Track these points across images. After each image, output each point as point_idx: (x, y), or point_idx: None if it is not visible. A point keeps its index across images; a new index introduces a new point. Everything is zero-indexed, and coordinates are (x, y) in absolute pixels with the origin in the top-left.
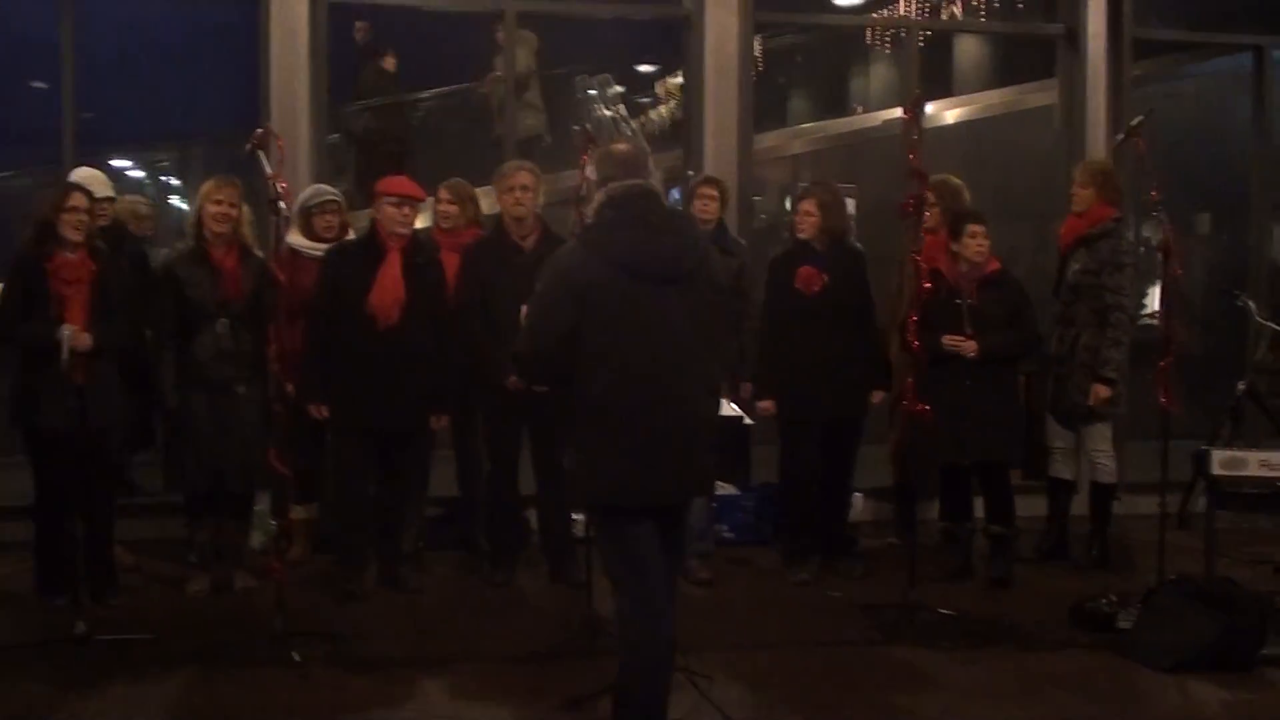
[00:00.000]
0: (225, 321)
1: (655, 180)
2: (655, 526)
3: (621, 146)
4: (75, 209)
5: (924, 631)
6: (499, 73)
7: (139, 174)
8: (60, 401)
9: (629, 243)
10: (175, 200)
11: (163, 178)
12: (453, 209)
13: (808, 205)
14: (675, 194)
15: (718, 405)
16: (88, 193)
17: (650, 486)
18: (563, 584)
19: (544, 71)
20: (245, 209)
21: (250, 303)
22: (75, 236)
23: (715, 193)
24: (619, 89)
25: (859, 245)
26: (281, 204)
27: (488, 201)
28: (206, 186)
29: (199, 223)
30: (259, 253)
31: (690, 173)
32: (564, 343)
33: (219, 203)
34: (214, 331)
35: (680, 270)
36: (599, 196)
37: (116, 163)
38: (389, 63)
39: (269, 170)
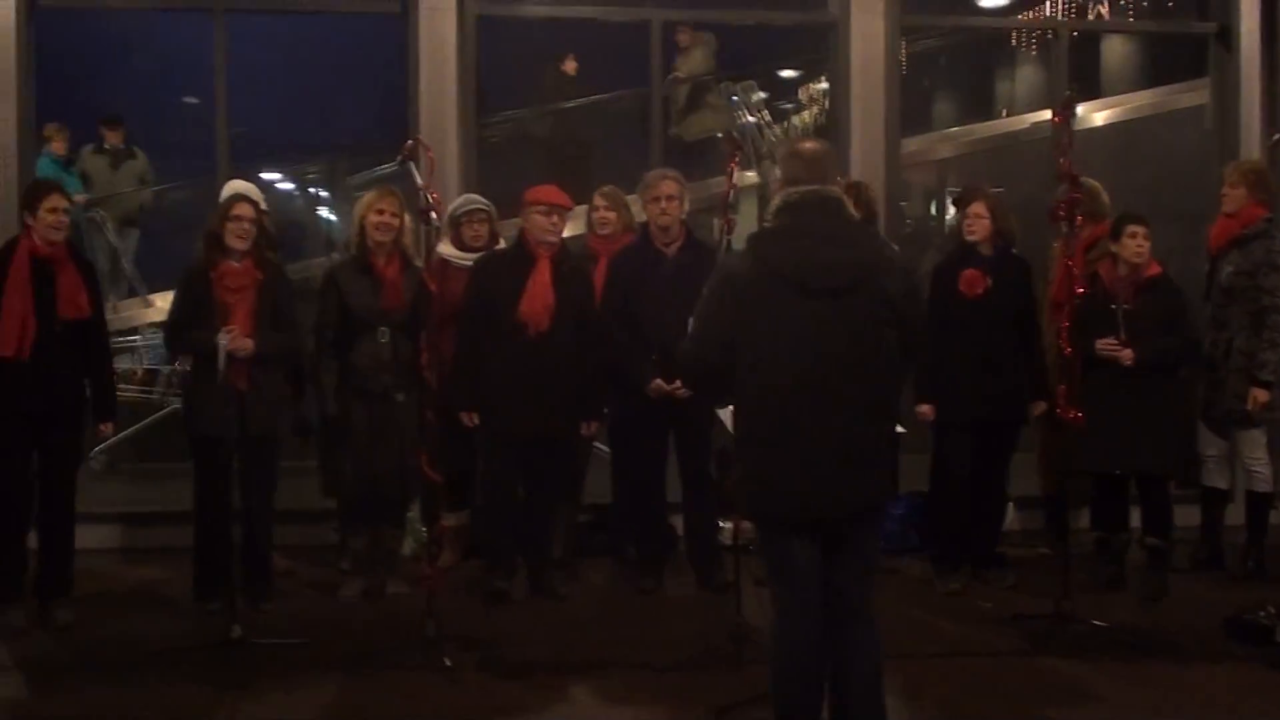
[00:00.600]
0: (385, 330)
1: (839, 185)
2: (811, 540)
3: (809, 145)
4: (239, 218)
5: (1076, 643)
6: (679, 74)
7: (288, 186)
8: (220, 407)
9: (792, 251)
10: (323, 212)
11: (311, 189)
12: (611, 215)
13: (978, 208)
14: None
15: (887, 423)
16: (254, 202)
17: (799, 499)
18: (710, 591)
19: (690, 78)
20: (407, 219)
21: (410, 312)
22: (239, 245)
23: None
24: (762, 95)
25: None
26: (433, 214)
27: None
28: (369, 197)
29: (361, 232)
30: (419, 263)
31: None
32: (727, 350)
33: (381, 212)
34: (374, 340)
35: (841, 283)
36: (777, 200)
37: (267, 175)
38: (569, 66)
39: (420, 181)
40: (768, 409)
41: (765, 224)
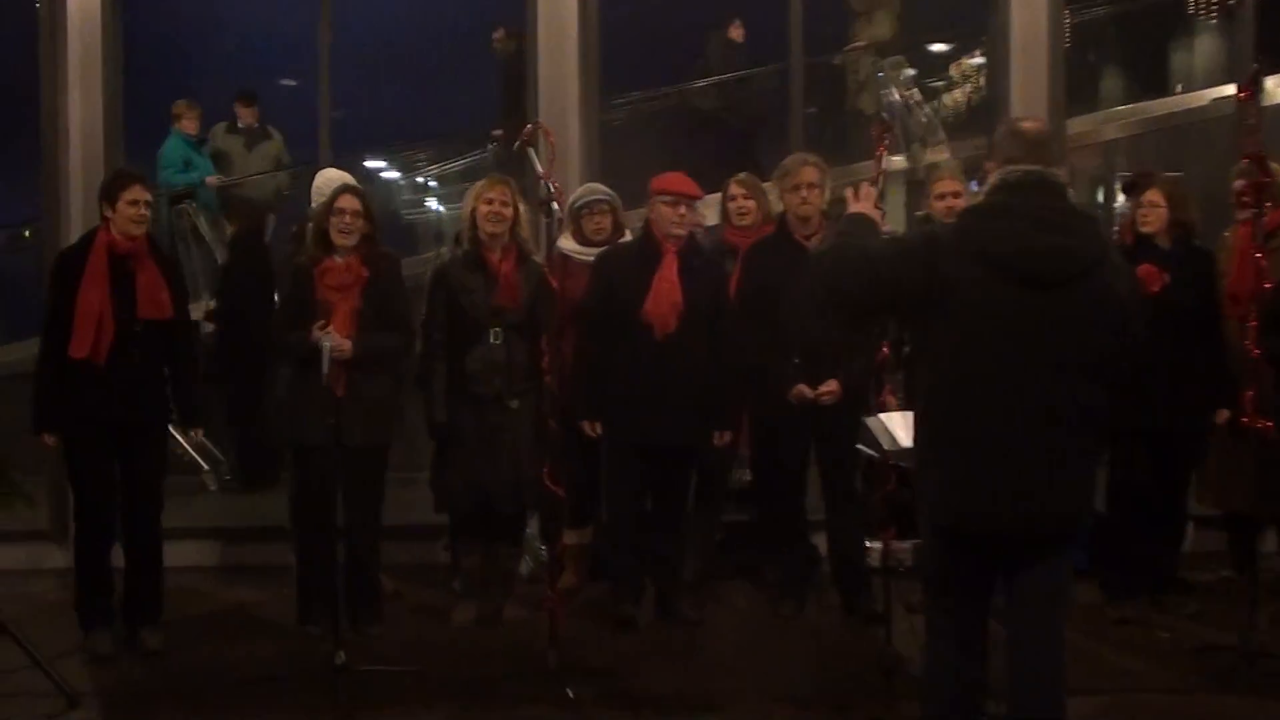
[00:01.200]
0: (499, 331)
1: (1064, 169)
2: (989, 561)
3: (1030, 124)
4: (343, 211)
5: (1264, 681)
6: (860, 42)
7: (393, 174)
8: (318, 415)
9: (1007, 233)
10: (432, 203)
11: (419, 178)
12: (750, 205)
13: (1153, 195)
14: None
15: (1095, 437)
16: (360, 193)
17: (997, 511)
18: (856, 617)
19: (826, 59)
20: (522, 209)
21: (526, 311)
22: (344, 241)
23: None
24: (911, 72)
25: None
26: (554, 204)
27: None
28: (478, 186)
29: (473, 225)
30: (538, 258)
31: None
32: (876, 290)
33: (490, 202)
34: (487, 342)
35: (1060, 274)
36: (993, 177)
37: (371, 163)
38: (735, 33)
39: (539, 169)
40: (966, 407)
41: (973, 203)
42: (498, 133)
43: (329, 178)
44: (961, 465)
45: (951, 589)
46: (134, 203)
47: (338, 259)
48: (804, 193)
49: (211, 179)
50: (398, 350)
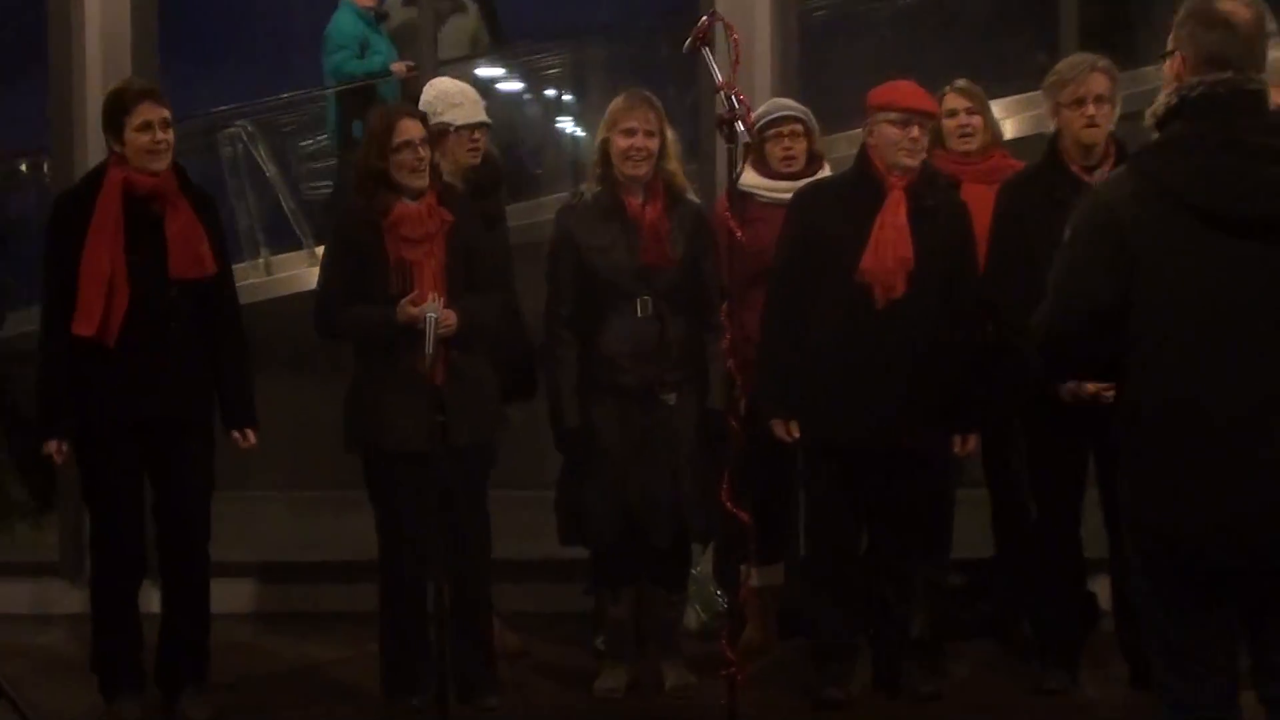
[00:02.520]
0: (648, 300)
1: (1266, 77)
2: (1230, 600)
3: (1227, 5)
4: (409, 143)
5: None
6: None
7: (515, 85)
8: (413, 412)
9: (1205, 171)
10: (567, 125)
11: (549, 91)
12: (975, 121)
13: None
14: None
15: None
16: (421, 117)
17: (1219, 537)
18: (1153, 693)
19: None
20: (671, 137)
21: (684, 271)
22: (416, 181)
23: None
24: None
25: None
26: (739, 125)
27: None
28: (615, 107)
29: (605, 160)
30: (694, 198)
31: None
32: (1104, 321)
33: (631, 132)
34: (632, 315)
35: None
36: (1167, 95)
37: (485, 71)
38: None
39: (718, 77)
40: (1174, 404)
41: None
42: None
43: (443, 91)
44: (1192, 481)
45: (1193, 650)
46: (145, 126)
47: (409, 203)
48: (1090, 108)
49: (398, 65)
50: (500, 316)
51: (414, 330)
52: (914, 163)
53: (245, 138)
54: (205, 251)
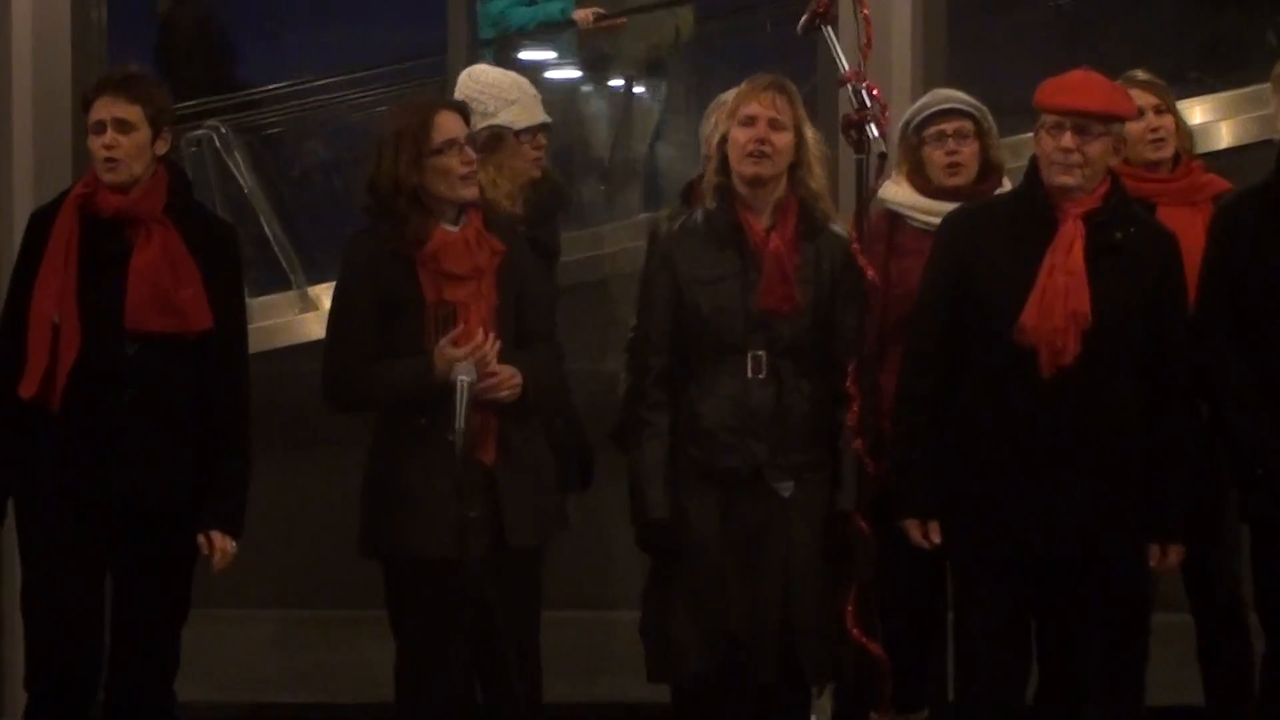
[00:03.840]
0: (762, 357)
1: None
2: None
3: None
4: (453, 143)
5: None
6: None
7: (568, 74)
8: (444, 507)
9: None
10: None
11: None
12: (1165, 122)
13: None
14: None
15: None
16: (466, 113)
17: None
18: None
19: None
20: (813, 139)
21: (816, 323)
22: (466, 192)
23: None
24: None
25: None
26: (872, 128)
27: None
28: (737, 92)
29: (721, 163)
30: (839, 227)
31: None
32: None
33: (750, 121)
34: (741, 375)
35: None
36: None
37: (531, 54)
38: None
39: (843, 65)
40: None
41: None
42: None
43: (493, 83)
44: None
45: None
46: (97, 128)
47: (449, 228)
48: None
49: (583, 13)
50: (561, 370)
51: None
52: (1071, 180)
53: (217, 142)
54: (186, 299)
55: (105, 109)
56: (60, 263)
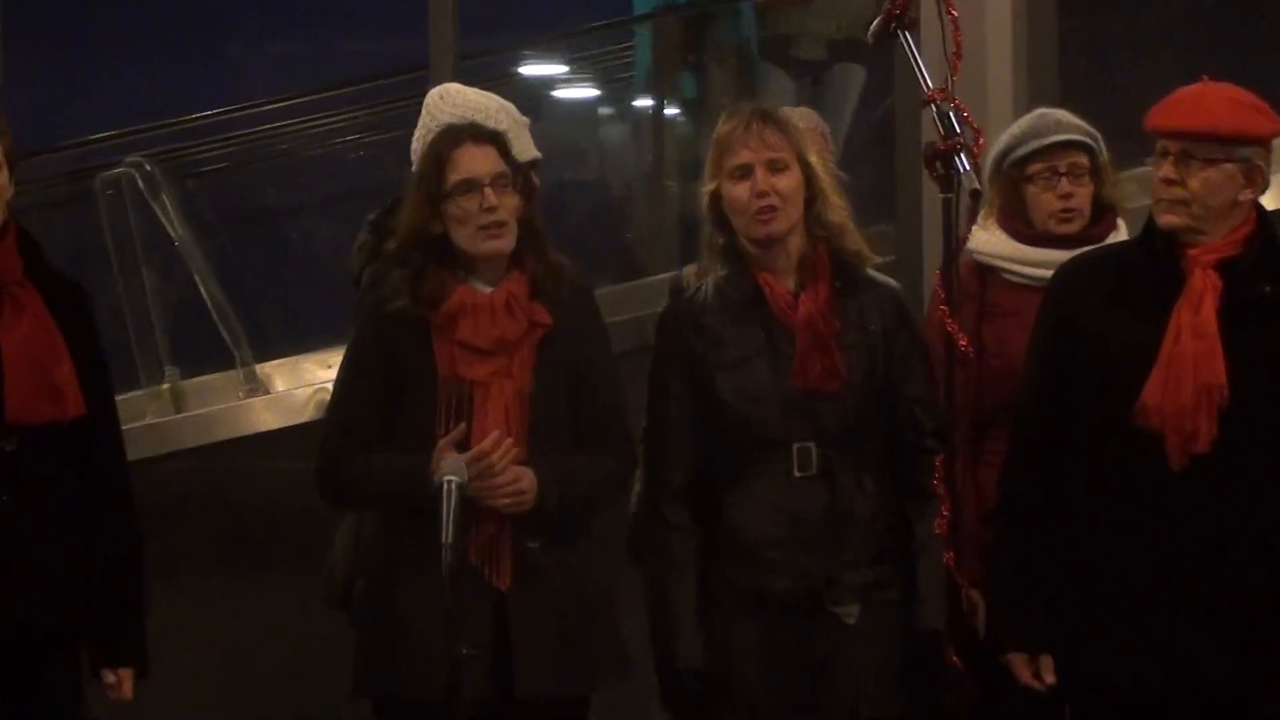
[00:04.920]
0: (809, 449)
1: None
2: None
3: None
4: (470, 184)
5: None
6: None
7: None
8: (437, 641)
9: None
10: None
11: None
12: None
13: None
14: None
15: None
16: (496, 140)
17: None
18: None
19: None
20: (818, 163)
21: (871, 401)
22: (488, 246)
23: None
24: None
25: None
26: (962, 160)
27: None
28: (717, 135)
29: (720, 222)
30: (879, 274)
31: None
32: None
33: (745, 172)
34: (783, 475)
35: None
36: None
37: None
38: None
39: (927, 83)
40: None
41: None
42: None
43: (474, 106)
44: None
45: None
46: None
47: (479, 288)
48: None
49: None
50: (616, 485)
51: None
52: (1176, 220)
53: (140, 182)
54: (66, 378)
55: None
56: None
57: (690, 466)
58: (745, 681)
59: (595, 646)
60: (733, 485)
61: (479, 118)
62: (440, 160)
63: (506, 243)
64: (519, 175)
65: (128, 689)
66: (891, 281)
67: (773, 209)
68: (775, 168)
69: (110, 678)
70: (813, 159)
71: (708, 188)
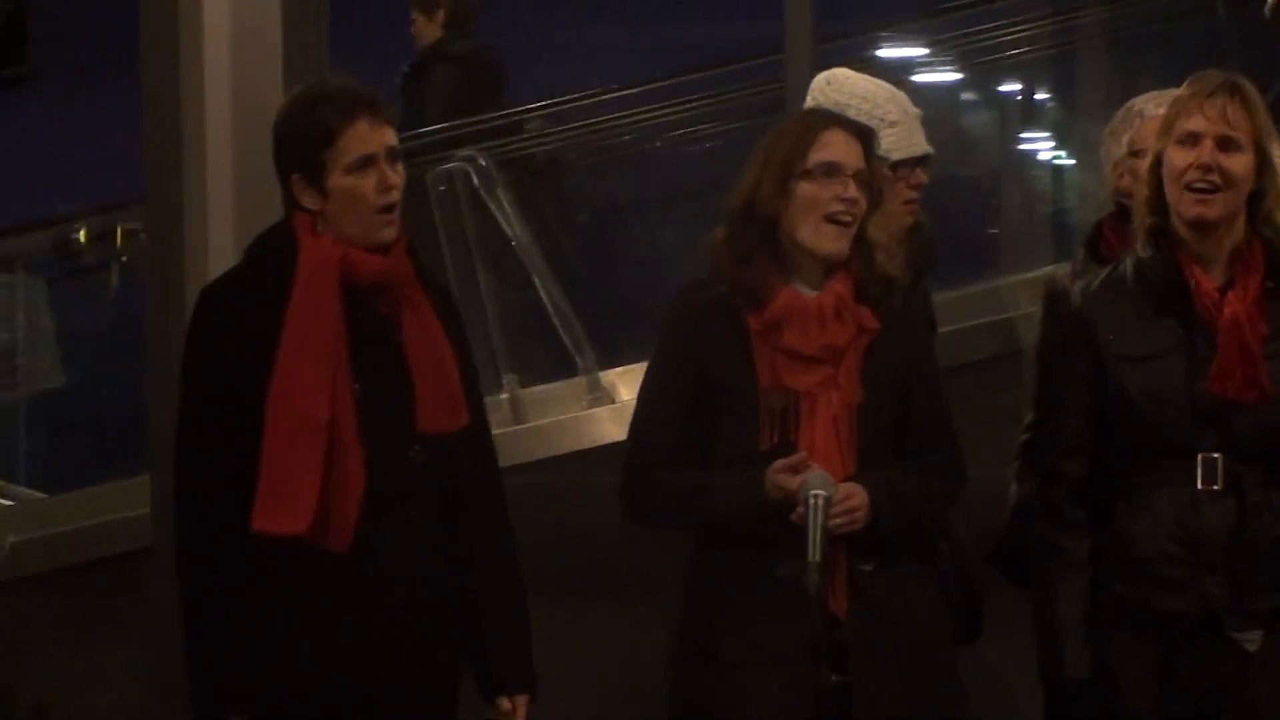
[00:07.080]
0: (1217, 461)
1: None
2: None
3: None
4: (834, 168)
5: None
6: None
7: (945, 77)
8: (792, 669)
9: None
10: (1045, 148)
11: (1003, 88)
12: None
13: None
14: None
15: None
16: (868, 140)
17: None
18: None
19: None
20: (1277, 149)
21: None
22: (832, 247)
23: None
24: None
25: None
26: None
27: None
28: (1179, 98)
29: (1155, 194)
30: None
31: None
32: None
33: (1194, 139)
34: (1186, 485)
35: None
36: None
37: (888, 51)
38: None
39: None
40: None
41: None
42: None
43: (865, 94)
44: None
45: None
46: (367, 157)
47: (804, 291)
48: None
49: None
50: (947, 504)
51: (790, 521)
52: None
53: (474, 178)
54: (459, 387)
55: (380, 134)
56: (328, 343)
57: (1088, 462)
58: (1133, 704)
59: (936, 678)
60: (1128, 493)
61: (866, 106)
62: (806, 136)
63: (846, 245)
64: (874, 180)
65: (523, 716)
66: None
67: (1212, 189)
68: (1228, 145)
69: (506, 704)
70: (1274, 151)
71: (1154, 148)
